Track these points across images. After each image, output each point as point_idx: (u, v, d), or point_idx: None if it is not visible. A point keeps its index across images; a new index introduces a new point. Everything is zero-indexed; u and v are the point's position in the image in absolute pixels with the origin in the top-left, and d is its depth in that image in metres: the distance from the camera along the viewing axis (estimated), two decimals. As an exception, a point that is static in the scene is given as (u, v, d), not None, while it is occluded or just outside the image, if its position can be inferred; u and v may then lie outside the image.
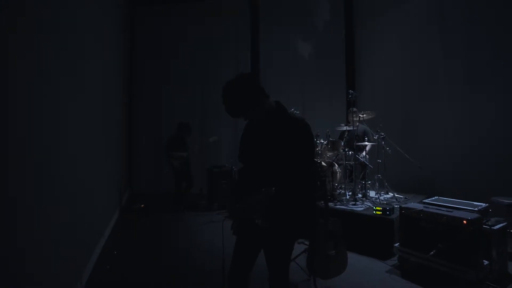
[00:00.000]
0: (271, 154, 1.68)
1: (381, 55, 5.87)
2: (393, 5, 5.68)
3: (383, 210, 3.58)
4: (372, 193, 4.49)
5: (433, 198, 3.47)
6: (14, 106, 1.63)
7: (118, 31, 5.32)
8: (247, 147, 1.89)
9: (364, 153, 4.80)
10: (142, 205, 5.49)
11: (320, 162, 4.36)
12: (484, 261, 2.67)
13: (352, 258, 3.11)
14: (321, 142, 4.64)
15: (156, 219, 5.18)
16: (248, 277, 1.88)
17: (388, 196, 4.44)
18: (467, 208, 2.99)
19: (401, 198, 4.31)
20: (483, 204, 3.08)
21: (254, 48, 6.55)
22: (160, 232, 4.56)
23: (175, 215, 5.34)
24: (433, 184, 4.82)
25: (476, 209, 2.96)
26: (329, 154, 4.69)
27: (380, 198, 4.29)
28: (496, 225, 2.86)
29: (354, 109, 4.63)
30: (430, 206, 3.08)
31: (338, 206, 4.04)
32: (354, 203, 4.11)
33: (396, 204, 3.85)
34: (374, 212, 3.66)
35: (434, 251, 2.79)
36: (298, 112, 4.51)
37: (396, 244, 3.21)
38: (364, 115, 4.67)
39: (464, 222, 2.66)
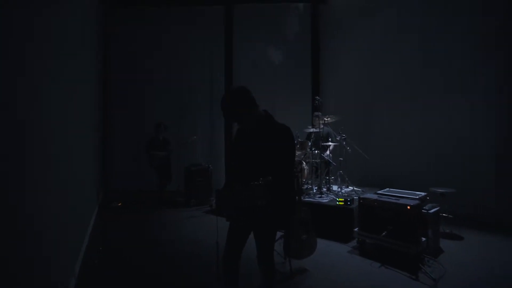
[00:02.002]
0: (264, 153, 2.06)
1: (345, 64, 6.59)
2: (356, 20, 6.42)
3: (345, 201, 4.19)
4: (335, 187, 5.12)
5: (385, 189, 4.10)
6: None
7: (92, 32, 5.34)
8: (242, 148, 2.26)
9: (328, 152, 5.40)
10: (120, 203, 5.60)
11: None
12: (422, 238, 3.33)
13: (320, 242, 3.61)
14: (291, 143, 5.15)
15: (135, 216, 5.34)
16: (240, 255, 2.27)
17: (348, 189, 5.08)
18: (410, 196, 3.63)
19: (359, 190, 4.98)
20: (423, 193, 3.76)
21: (227, 55, 6.90)
22: (142, 228, 4.75)
23: (154, 211, 5.55)
24: (386, 178, 5.60)
25: (417, 197, 3.60)
26: (297, 153, 5.21)
27: (342, 191, 4.93)
28: (432, 209, 3.57)
29: (318, 114, 5.21)
30: (383, 196, 3.70)
31: (306, 199, 4.57)
32: (320, 196, 4.68)
33: (355, 196, 4.48)
34: (337, 203, 4.25)
35: (385, 232, 3.41)
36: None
37: (356, 229, 3.80)
38: (328, 118, 5.26)
39: (408, 207, 3.30)
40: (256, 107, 2.14)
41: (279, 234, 3.65)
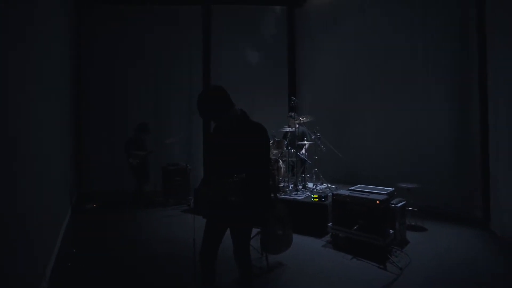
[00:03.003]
0: (238, 150, 2.11)
1: (319, 65, 6.80)
2: (330, 23, 6.64)
3: (319, 197, 4.36)
4: (310, 184, 5.30)
5: (357, 185, 4.31)
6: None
7: (65, 30, 5.17)
8: (217, 146, 2.32)
9: (303, 151, 5.57)
10: (95, 205, 5.46)
11: (268, 159, 4.98)
12: (390, 230, 3.55)
13: (296, 237, 3.73)
14: (267, 141, 5.28)
15: (112, 216, 5.22)
16: (217, 253, 2.33)
17: (323, 186, 5.28)
18: (379, 192, 3.82)
19: (333, 187, 5.18)
20: (391, 189, 3.98)
21: (205, 55, 6.91)
22: (119, 228, 4.67)
23: (131, 212, 5.45)
24: (358, 175, 5.87)
25: (385, 192, 3.81)
26: (274, 151, 5.34)
27: (316, 188, 5.11)
28: (399, 203, 3.81)
29: (292, 114, 5.37)
30: (354, 192, 3.88)
31: (283, 196, 4.71)
32: (296, 193, 4.83)
33: (329, 192, 4.67)
34: (312, 199, 4.42)
35: (356, 226, 3.60)
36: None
37: (329, 224, 3.98)
38: (304, 118, 5.43)
39: (377, 202, 3.50)
40: (233, 106, 2.19)
41: (256, 230, 3.76)
